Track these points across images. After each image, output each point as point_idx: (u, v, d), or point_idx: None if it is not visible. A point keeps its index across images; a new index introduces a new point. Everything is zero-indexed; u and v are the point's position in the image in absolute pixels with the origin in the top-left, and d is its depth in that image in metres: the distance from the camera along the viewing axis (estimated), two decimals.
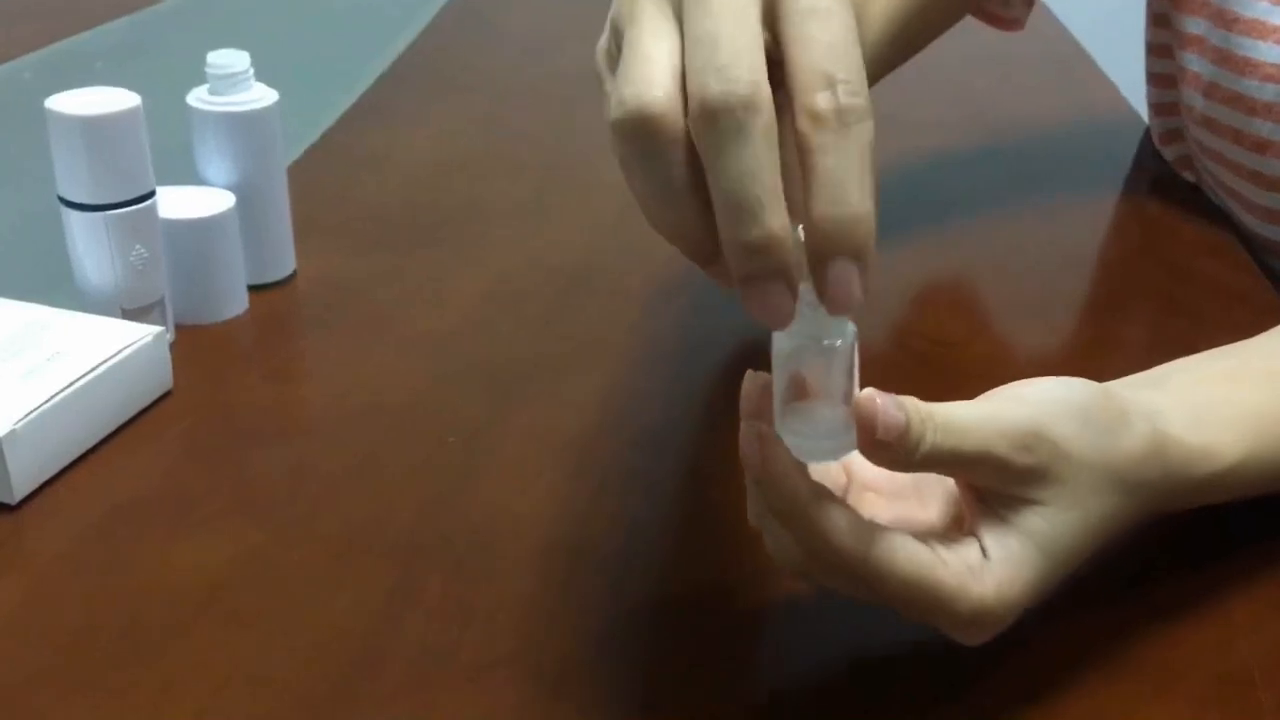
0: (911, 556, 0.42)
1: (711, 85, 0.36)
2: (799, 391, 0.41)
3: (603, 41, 0.43)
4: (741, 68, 0.36)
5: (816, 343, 0.40)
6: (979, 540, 0.44)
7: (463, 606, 0.51)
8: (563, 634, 0.49)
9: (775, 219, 0.36)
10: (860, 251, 0.37)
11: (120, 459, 0.59)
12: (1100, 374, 0.48)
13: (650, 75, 0.37)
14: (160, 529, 0.55)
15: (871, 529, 0.42)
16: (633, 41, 0.38)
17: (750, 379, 0.43)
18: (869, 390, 0.41)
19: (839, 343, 0.40)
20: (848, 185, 0.36)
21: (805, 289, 0.38)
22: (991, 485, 0.44)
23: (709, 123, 0.36)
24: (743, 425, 0.41)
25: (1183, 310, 0.74)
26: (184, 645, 0.49)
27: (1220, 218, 0.83)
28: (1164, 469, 0.46)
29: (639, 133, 0.37)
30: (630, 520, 0.56)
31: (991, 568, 0.43)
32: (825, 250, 0.37)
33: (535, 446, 0.61)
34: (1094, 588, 0.48)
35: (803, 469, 0.42)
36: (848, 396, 0.41)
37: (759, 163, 0.36)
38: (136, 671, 0.48)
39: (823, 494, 0.42)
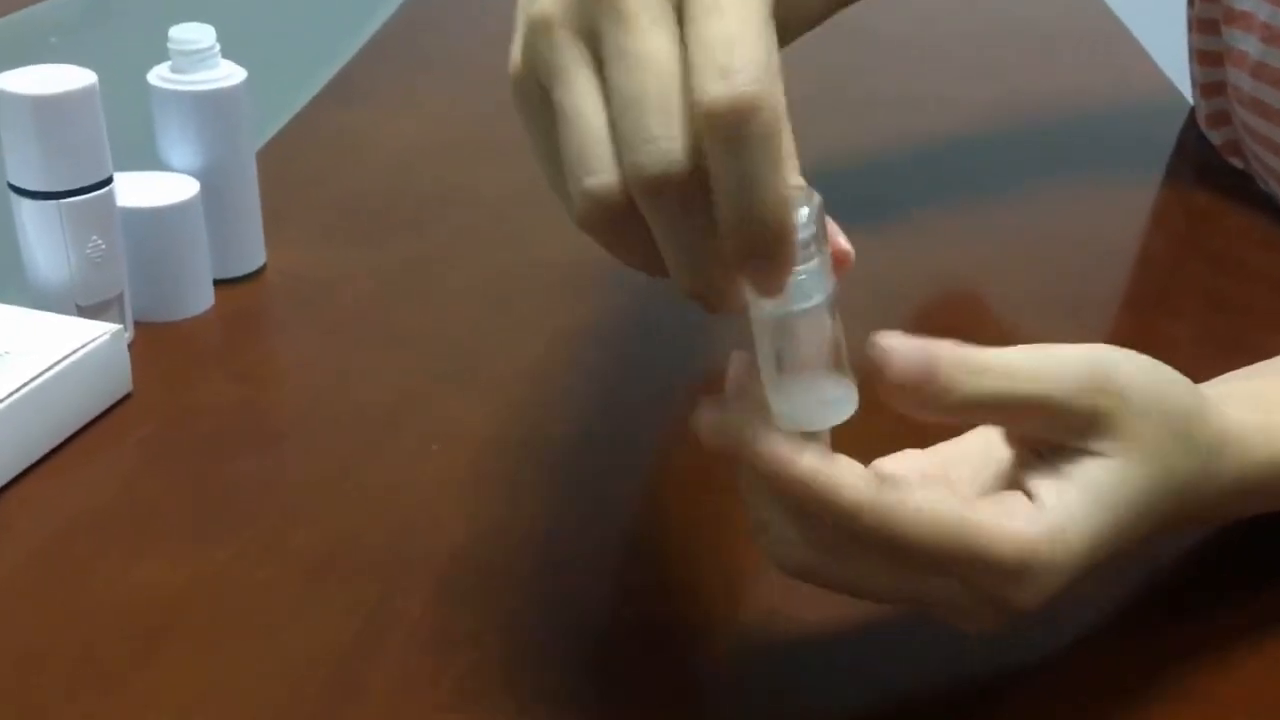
0: (934, 497, 0.40)
1: (645, 165, 0.38)
2: (789, 361, 0.41)
3: (515, 58, 0.43)
4: (672, 135, 0.38)
5: (795, 307, 0.40)
6: (1027, 490, 0.43)
7: (447, 630, 0.50)
8: (554, 659, 0.49)
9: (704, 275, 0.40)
10: (774, 251, 0.38)
11: (74, 468, 0.59)
12: None
13: (600, 156, 0.40)
14: (117, 545, 0.55)
15: (879, 476, 0.40)
16: (566, 111, 0.40)
17: (736, 360, 0.42)
18: (883, 336, 0.41)
19: (818, 300, 0.40)
20: (755, 187, 0.37)
21: None
22: (1046, 435, 0.43)
23: (650, 197, 0.39)
24: (698, 414, 0.41)
25: (1230, 306, 0.74)
26: (143, 673, 0.48)
27: (1271, 207, 0.83)
28: (1222, 435, 0.46)
29: (611, 220, 0.40)
30: (630, 535, 0.56)
31: (1044, 513, 0.42)
32: (740, 255, 0.39)
33: (526, 455, 0.61)
34: (1138, 614, 0.48)
35: (793, 437, 0.41)
36: (838, 354, 0.41)
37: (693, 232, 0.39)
38: (91, 701, 0.47)
39: (814, 448, 0.41)
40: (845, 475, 0.40)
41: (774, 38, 0.39)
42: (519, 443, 0.61)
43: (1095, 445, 0.43)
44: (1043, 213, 0.85)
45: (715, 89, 0.37)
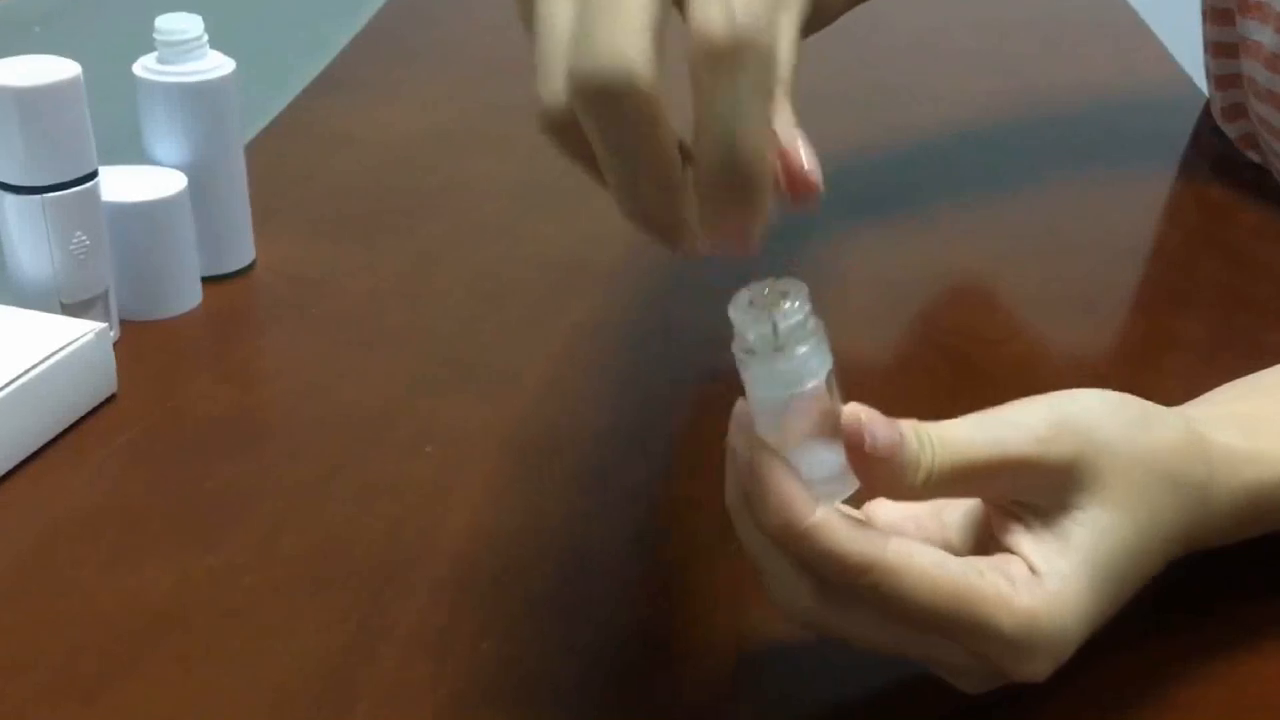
0: (938, 562, 0.41)
1: (587, 73, 0.38)
2: (791, 438, 0.42)
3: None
4: (633, 47, 0.37)
5: (794, 389, 0.41)
6: (1023, 557, 0.43)
7: (441, 636, 0.50)
8: (552, 665, 0.49)
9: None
10: (749, 197, 0.38)
11: (57, 471, 0.59)
12: (1153, 374, 0.48)
13: (557, 62, 0.40)
14: (102, 550, 0.55)
15: (886, 536, 0.41)
16: (540, 14, 0.40)
17: (737, 437, 0.42)
18: (853, 406, 0.41)
19: (817, 381, 0.41)
20: (742, 123, 0.37)
21: (767, 332, 0.40)
22: (1019, 497, 0.43)
23: (590, 110, 0.39)
24: (739, 407, 0.42)
25: (1246, 305, 0.74)
26: (127, 683, 0.48)
27: None
28: (1208, 466, 0.46)
29: (561, 130, 0.41)
30: (629, 539, 0.56)
31: (1042, 582, 0.42)
32: (713, 196, 0.38)
33: (522, 457, 0.61)
34: (1123, 625, 0.48)
35: (798, 479, 0.41)
36: (837, 432, 0.42)
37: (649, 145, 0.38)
38: (73, 711, 0.47)
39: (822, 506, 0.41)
40: (853, 531, 0.41)
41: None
42: (515, 444, 0.61)
43: (1072, 499, 0.43)
44: (1055, 207, 0.84)
45: (717, 17, 0.37)
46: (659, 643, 0.50)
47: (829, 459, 0.42)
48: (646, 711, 0.48)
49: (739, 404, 0.43)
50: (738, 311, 0.41)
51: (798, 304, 0.40)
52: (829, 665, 0.49)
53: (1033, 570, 0.43)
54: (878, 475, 0.42)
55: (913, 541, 0.42)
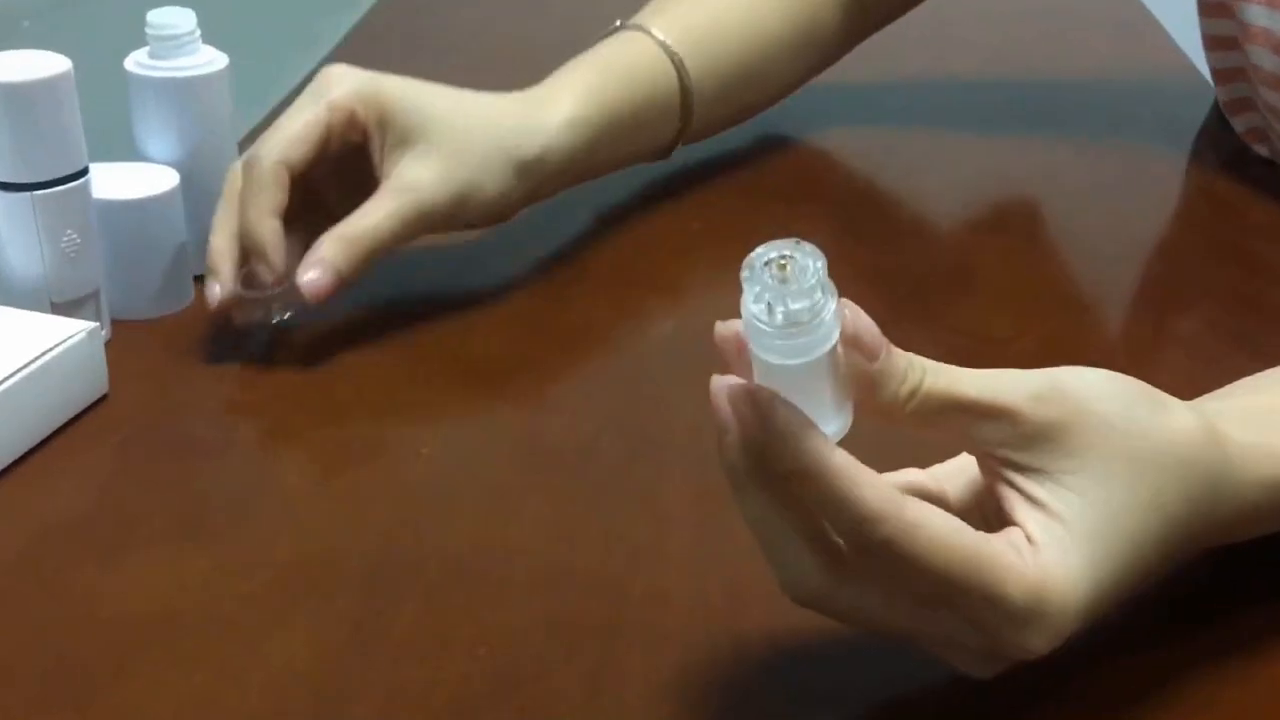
0: (955, 527, 0.41)
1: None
2: (795, 399, 0.41)
3: None
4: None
5: (805, 356, 0.41)
6: (1020, 526, 0.43)
7: (438, 642, 0.50)
8: (550, 672, 0.49)
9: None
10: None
11: (48, 473, 0.59)
12: (1159, 372, 0.48)
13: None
14: (93, 554, 0.55)
15: (902, 495, 0.41)
16: None
17: (722, 328, 0.43)
18: (842, 301, 0.41)
19: (824, 349, 0.41)
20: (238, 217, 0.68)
21: (778, 296, 0.40)
22: (1008, 453, 0.43)
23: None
24: (716, 382, 0.42)
25: (1253, 305, 0.74)
26: (119, 688, 0.48)
27: None
28: (1222, 457, 0.46)
29: None
30: (629, 543, 0.56)
31: (1038, 551, 0.42)
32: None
33: (520, 458, 0.61)
34: (1137, 623, 0.48)
35: (810, 422, 0.41)
36: (841, 389, 0.42)
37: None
38: (64, 718, 0.47)
39: (838, 450, 0.41)
40: (875, 480, 0.41)
41: (312, 133, 0.67)
42: (512, 446, 0.61)
43: (1062, 466, 0.43)
44: (1060, 202, 0.84)
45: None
46: (659, 648, 0.50)
47: (830, 420, 0.42)
48: (643, 716, 0.48)
49: (715, 378, 0.42)
50: (751, 281, 0.40)
51: (812, 276, 0.40)
52: (832, 668, 0.49)
53: (1029, 539, 0.43)
54: (864, 386, 0.42)
55: (929, 505, 0.42)
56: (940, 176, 0.87)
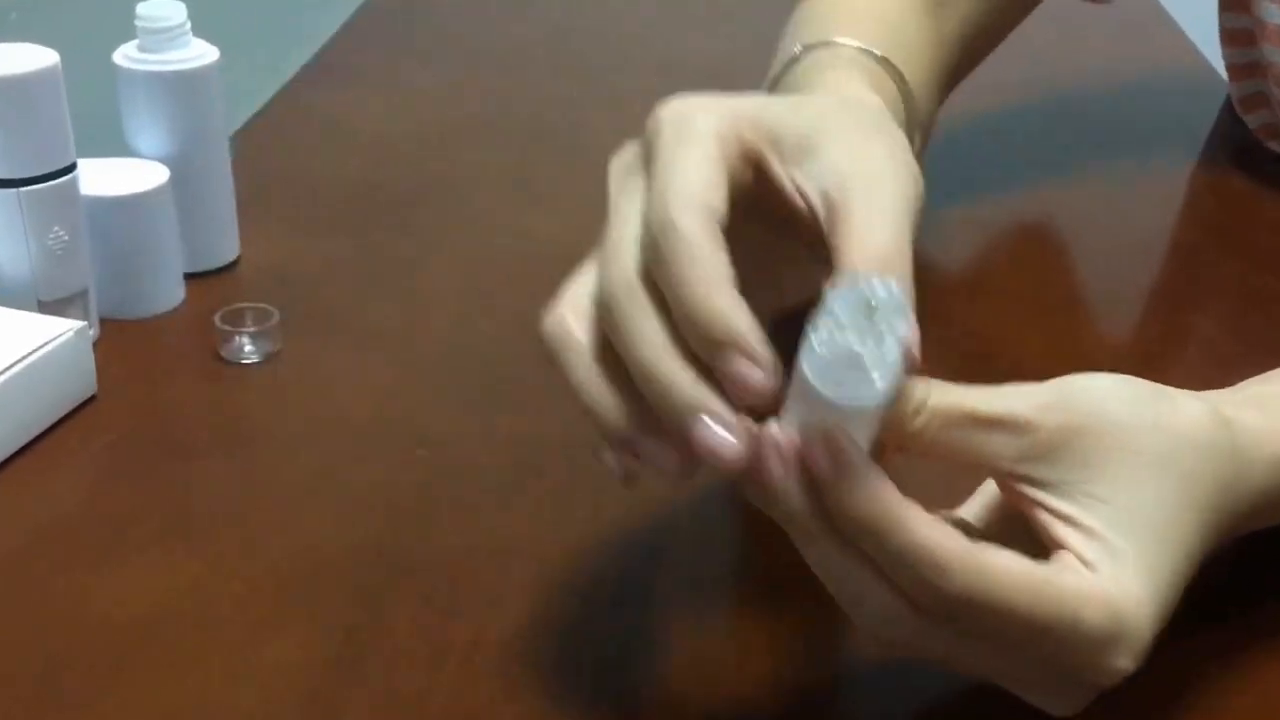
0: (1021, 564, 0.41)
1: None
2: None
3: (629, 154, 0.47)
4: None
5: (868, 404, 0.40)
6: (1070, 549, 0.43)
7: (434, 647, 0.50)
8: (549, 676, 0.49)
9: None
10: (719, 352, 0.41)
11: (35, 476, 0.59)
12: (1171, 370, 0.48)
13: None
14: (82, 557, 0.55)
15: (969, 540, 0.41)
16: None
17: (816, 445, 0.41)
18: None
19: (882, 400, 0.40)
20: (681, 303, 0.42)
21: (831, 332, 0.40)
22: (1027, 469, 0.43)
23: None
24: (771, 428, 0.41)
25: (1266, 302, 0.74)
26: (110, 694, 0.48)
27: None
28: (1232, 439, 0.46)
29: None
30: (629, 547, 0.56)
31: (1099, 570, 0.42)
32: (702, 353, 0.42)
33: (518, 460, 0.61)
34: (1173, 624, 0.48)
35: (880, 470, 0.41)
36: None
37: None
38: None
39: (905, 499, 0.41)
40: (947, 529, 0.41)
41: (719, 175, 0.44)
42: (510, 447, 0.61)
43: (1082, 476, 0.43)
44: (1071, 200, 0.84)
45: (649, 214, 0.43)
46: (659, 652, 0.50)
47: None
48: None
49: (770, 425, 0.41)
50: (829, 317, 0.40)
51: (899, 331, 0.40)
52: (833, 670, 0.49)
53: (1083, 561, 0.43)
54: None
55: (990, 546, 0.41)
56: (949, 174, 0.87)
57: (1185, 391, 0.47)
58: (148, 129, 0.71)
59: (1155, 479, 0.44)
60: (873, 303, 0.40)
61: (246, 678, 0.49)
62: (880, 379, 0.40)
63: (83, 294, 0.67)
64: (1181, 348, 0.71)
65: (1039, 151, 0.91)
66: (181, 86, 0.71)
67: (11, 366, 0.60)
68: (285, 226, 0.79)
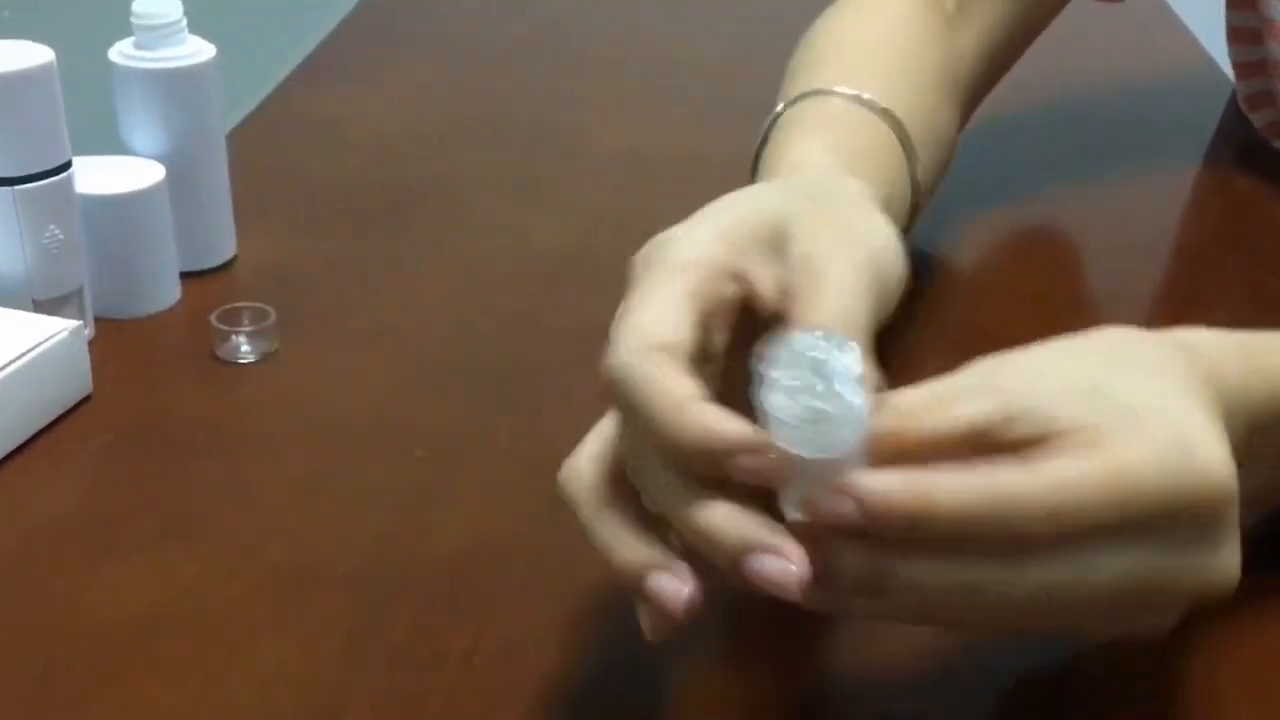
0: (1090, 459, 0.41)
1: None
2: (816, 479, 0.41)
3: None
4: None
5: (831, 456, 0.40)
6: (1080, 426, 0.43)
7: (433, 648, 0.50)
8: (548, 678, 0.49)
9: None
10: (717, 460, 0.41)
11: (30, 475, 0.59)
12: None
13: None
14: (78, 558, 0.55)
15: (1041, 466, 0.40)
16: None
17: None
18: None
19: (849, 447, 0.40)
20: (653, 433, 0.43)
21: (787, 397, 0.40)
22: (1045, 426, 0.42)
23: None
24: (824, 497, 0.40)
25: (1272, 303, 0.74)
26: (106, 696, 0.48)
27: None
28: (1249, 356, 0.49)
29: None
30: None
31: (1146, 424, 0.43)
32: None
33: (517, 461, 0.60)
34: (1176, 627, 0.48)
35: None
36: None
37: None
38: None
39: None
40: (1018, 475, 0.40)
41: (681, 310, 0.46)
42: (509, 447, 0.61)
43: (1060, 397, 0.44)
44: (1076, 199, 0.84)
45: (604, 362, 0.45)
46: (656, 653, 0.50)
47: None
48: None
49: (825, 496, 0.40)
50: (778, 385, 0.40)
51: (850, 380, 0.40)
52: (834, 670, 0.49)
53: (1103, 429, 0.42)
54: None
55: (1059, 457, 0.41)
56: (954, 174, 0.87)
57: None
58: (144, 127, 0.71)
59: (1192, 390, 0.46)
60: (810, 354, 0.40)
61: (244, 679, 0.49)
62: (847, 425, 0.40)
63: (78, 293, 0.67)
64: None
65: (1044, 151, 0.91)
66: (178, 84, 0.70)
67: (6, 366, 0.60)
68: (282, 225, 0.79)
